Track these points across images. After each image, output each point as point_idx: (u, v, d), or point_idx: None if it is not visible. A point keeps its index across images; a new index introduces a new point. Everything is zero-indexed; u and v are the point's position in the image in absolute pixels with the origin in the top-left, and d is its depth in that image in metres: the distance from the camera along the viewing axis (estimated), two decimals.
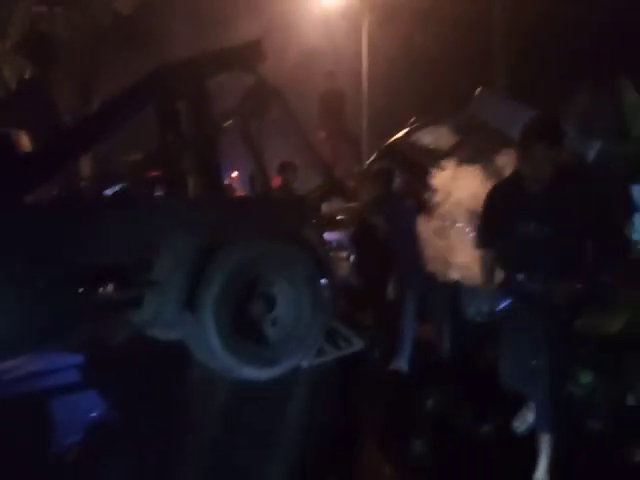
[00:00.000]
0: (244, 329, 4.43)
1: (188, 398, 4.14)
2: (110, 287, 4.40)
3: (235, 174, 8.67)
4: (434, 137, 6.04)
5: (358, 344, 4.88)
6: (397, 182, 5.59)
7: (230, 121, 5.20)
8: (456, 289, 5.37)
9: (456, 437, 3.65)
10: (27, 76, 11.82)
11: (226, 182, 7.28)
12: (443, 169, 5.00)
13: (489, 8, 12.49)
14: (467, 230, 5.54)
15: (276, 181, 6.47)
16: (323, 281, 4.82)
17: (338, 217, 6.31)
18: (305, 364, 4.66)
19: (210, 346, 4.31)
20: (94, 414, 4.21)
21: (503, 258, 3.42)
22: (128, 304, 4.24)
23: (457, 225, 5.57)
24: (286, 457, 3.47)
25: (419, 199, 5.12)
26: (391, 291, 5.04)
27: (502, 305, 4.11)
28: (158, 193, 4.97)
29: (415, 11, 12.53)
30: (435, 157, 5.67)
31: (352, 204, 5.93)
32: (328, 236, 6.00)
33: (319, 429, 3.73)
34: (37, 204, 4.15)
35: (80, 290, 4.15)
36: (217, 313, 4.29)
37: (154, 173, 5.14)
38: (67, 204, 4.40)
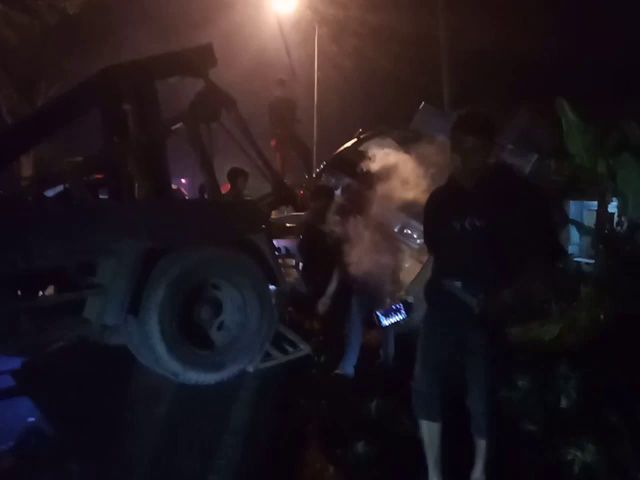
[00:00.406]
0: (190, 334, 4.37)
1: (129, 403, 4.06)
2: (51, 290, 4.30)
3: (184, 180, 8.59)
4: (380, 148, 6.22)
5: (305, 349, 4.89)
6: (346, 191, 5.69)
7: (179, 125, 5.15)
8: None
9: (398, 439, 3.71)
10: None
11: (175, 187, 7.21)
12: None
13: (436, 25, 12.89)
14: (415, 237, 5.71)
15: (226, 188, 6.44)
16: (271, 287, 4.82)
17: (288, 224, 6.35)
18: (251, 369, 4.64)
19: (154, 351, 4.23)
20: (31, 419, 4.08)
21: (439, 264, 3.32)
22: (69, 308, 4.13)
23: (405, 231, 5.73)
24: (229, 461, 3.46)
25: (365, 208, 5.23)
26: (325, 302, 5.07)
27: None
28: (102, 196, 4.87)
29: (366, 26, 12.80)
30: (384, 166, 5.96)
31: (300, 213, 5.98)
32: (278, 243, 6.02)
33: (263, 433, 3.74)
34: None
35: (19, 293, 4.03)
36: (162, 318, 4.21)
37: (98, 176, 5.03)
38: (6, 205, 4.26)
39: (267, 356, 4.72)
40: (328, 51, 13.03)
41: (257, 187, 6.16)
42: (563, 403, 4.14)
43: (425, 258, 5.57)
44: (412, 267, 5.66)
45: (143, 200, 4.61)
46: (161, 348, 4.20)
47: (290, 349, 4.89)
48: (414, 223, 5.69)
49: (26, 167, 9.74)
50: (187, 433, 3.71)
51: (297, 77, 11.99)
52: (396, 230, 5.81)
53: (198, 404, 4.09)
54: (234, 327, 4.55)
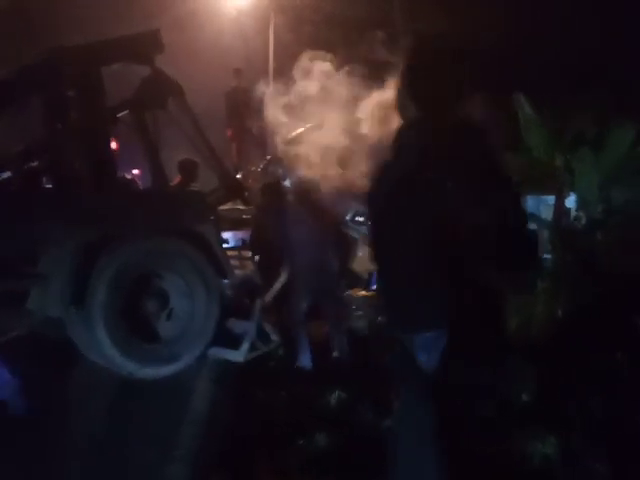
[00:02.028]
0: (137, 327, 4.33)
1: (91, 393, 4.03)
2: None
3: (136, 171, 8.37)
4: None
5: (277, 341, 4.94)
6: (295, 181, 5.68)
7: (124, 112, 5.05)
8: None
9: (359, 431, 3.69)
10: None
11: (129, 177, 7.03)
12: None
13: (391, 12, 12.92)
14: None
15: (177, 179, 6.33)
16: (221, 279, 4.80)
17: (244, 216, 6.29)
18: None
19: (101, 345, 4.18)
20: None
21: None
22: (14, 299, 4.02)
23: (357, 218, 5.77)
24: (189, 453, 3.44)
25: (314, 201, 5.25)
26: (269, 295, 5.07)
27: None
28: (44, 185, 4.74)
29: (320, 13, 12.73)
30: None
31: (249, 206, 5.92)
32: (235, 235, 5.96)
33: (222, 426, 3.72)
34: None
35: None
36: (106, 310, 4.17)
37: (39, 164, 4.89)
38: None
39: (254, 347, 4.77)
40: (284, 39, 12.92)
41: (207, 179, 6.06)
42: (525, 397, 4.22)
43: None
44: (366, 255, 5.74)
45: (87, 190, 4.50)
46: (107, 342, 4.15)
47: (269, 340, 4.91)
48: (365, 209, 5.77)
49: None
50: (145, 426, 3.66)
51: (253, 66, 11.84)
52: (348, 218, 5.84)
53: (157, 396, 4.06)
54: (183, 316, 4.52)
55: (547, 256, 7.14)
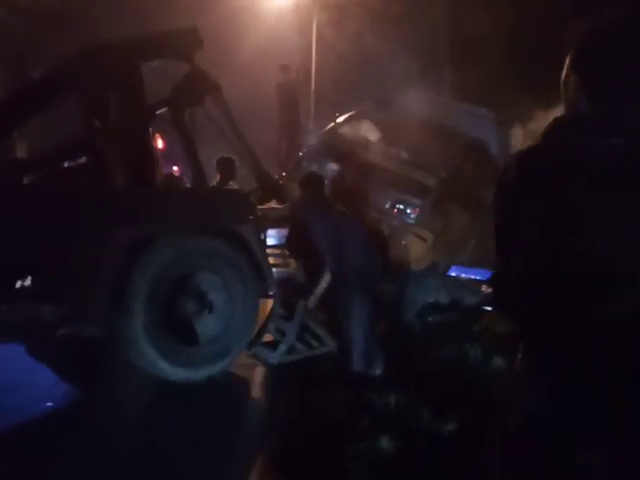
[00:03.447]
0: (175, 329, 4.25)
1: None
2: (28, 280, 4.18)
3: (176, 168, 8.37)
4: (360, 130, 6.37)
5: (330, 345, 4.77)
6: (330, 176, 5.55)
7: (163, 110, 4.99)
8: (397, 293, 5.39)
9: (420, 434, 3.59)
10: None
11: (177, 174, 7.00)
12: None
13: (435, 10, 12.65)
14: (409, 212, 5.60)
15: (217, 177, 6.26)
16: (259, 278, 4.69)
17: (280, 214, 6.20)
18: (274, 362, 4.59)
19: (139, 347, 4.12)
20: (49, 403, 4.02)
21: None
22: (47, 298, 4.01)
23: (398, 207, 5.62)
24: (244, 459, 3.39)
25: (354, 193, 5.10)
26: (313, 300, 4.87)
27: None
28: (82, 184, 4.72)
29: (365, 10, 12.55)
30: (365, 146, 6.08)
31: (285, 205, 5.81)
32: (278, 233, 5.86)
33: (278, 429, 3.65)
34: None
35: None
36: (148, 311, 4.11)
37: (79, 163, 4.87)
38: None
39: (292, 350, 4.68)
40: (327, 36, 12.81)
41: (244, 177, 5.97)
42: None
43: (423, 232, 5.49)
44: (410, 243, 5.53)
45: (126, 189, 4.46)
46: (146, 345, 4.09)
47: (315, 344, 4.79)
48: (407, 197, 5.59)
49: (20, 153, 9.60)
50: (202, 428, 3.62)
51: (296, 63, 11.76)
52: (387, 207, 5.67)
53: (212, 398, 4.04)
54: (223, 312, 4.43)
55: None
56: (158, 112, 4.90)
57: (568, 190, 1.38)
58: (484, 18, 11.22)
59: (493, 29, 11.58)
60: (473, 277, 6.30)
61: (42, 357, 4.71)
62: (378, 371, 4.49)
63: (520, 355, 1.56)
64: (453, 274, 6.42)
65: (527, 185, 1.44)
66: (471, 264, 6.34)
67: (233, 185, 5.76)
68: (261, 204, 5.40)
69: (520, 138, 6.98)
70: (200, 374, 4.27)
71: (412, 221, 5.59)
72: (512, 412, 1.57)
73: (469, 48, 12.14)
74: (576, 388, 1.38)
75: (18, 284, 4.13)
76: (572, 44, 1.61)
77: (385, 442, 3.44)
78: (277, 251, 5.79)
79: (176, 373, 4.21)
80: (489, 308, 5.52)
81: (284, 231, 6.04)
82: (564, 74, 1.59)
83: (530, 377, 1.51)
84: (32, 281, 4.13)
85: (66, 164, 4.85)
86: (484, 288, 5.99)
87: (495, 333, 5.27)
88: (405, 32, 12.01)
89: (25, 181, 4.68)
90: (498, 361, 4.69)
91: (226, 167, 5.71)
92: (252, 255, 4.55)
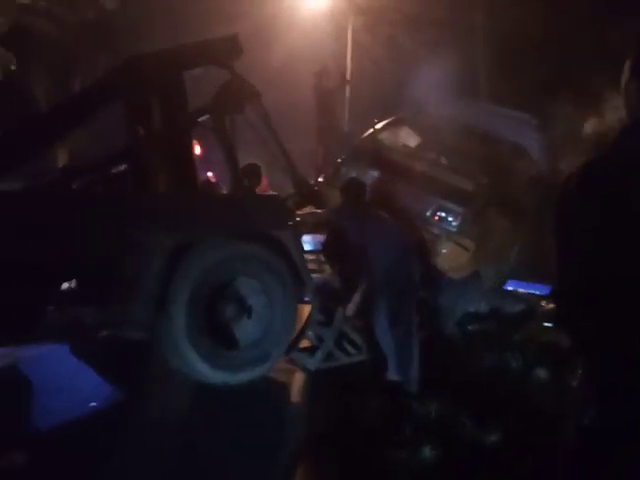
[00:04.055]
0: (216, 333, 4.30)
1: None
2: (74, 283, 4.28)
3: (210, 174, 8.45)
4: (399, 136, 6.37)
5: (368, 352, 4.75)
6: (370, 181, 5.51)
7: (205, 117, 5.07)
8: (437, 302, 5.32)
9: (462, 444, 3.56)
10: (12, 69, 11.58)
11: (213, 180, 7.08)
12: None
13: (473, 14, 12.53)
14: (450, 219, 5.51)
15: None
16: (298, 283, 4.70)
17: (317, 220, 6.20)
18: (312, 367, 4.60)
19: (180, 350, 4.18)
20: (94, 404, 4.09)
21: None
22: (91, 300, 4.09)
23: (439, 214, 5.54)
24: (283, 462, 3.43)
25: (393, 202, 5.05)
26: (351, 307, 4.83)
27: None
28: (127, 189, 4.82)
29: (400, 15, 12.51)
30: (405, 152, 6.07)
31: (323, 209, 5.81)
32: (314, 239, 5.87)
33: (318, 435, 3.67)
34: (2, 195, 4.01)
35: (44, 284, 4.00)
36: (189, 315, 4.16)
37: (123, 169, 4.98)
38: (34, 197, 4.26)
39: (330, 356, 4.69)
40: (362, 41, 12.82)
41: (281, 183, 5.97)
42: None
43: (465, 240, 5.39)
44: (451, 251, 5.46)
45: (170, 193, 4.54)
46: (187, 347, 4.15)
47: (352, 351, 4.79)
48: (449, 205, 5.50)
49: (61, 159, 9.88)
50: (238, 433, 3.67)
51: (332, 69, 11.79)
52: (428, 214, 5.60)
53: (245, 401, 4.08)
54: (262, 315, 4.45)
55: None
56: (200, 119, 4.97)
57: (632, 192, 1.35)
58: (522, 21, 11.08)
59: (531, 32, 11.42)
60: (532, 292, 6.15)
61: (85, 359, 4.79)
62: (413, 381, 4.41)
63: (582, 371, 1.52)
64: (510, 288, 6.31)
65: (591, 192, 1.41)
66: (528, 278, 6.22)
67: (259, 191, 5.79)
68: (298, 209, 5.41)
69: (560, 142, 6.85)
70: (239, 378, 4.30)
71: (454, 229, 5.49)
72: (573, 427, 1.53)
73: (507, 52, 11.99)
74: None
75: (64, 286, 4.24)
76: (631, 50, 1.56)
77: (427, 451, 3.40)
78: (312, 256, 5.79)
79: (216, 376, 4.25)
80: (550, 324, 5.42)
81: (320, 237, 6.05)
82: (624, 80, 1.55)
83: (593, 392, 1.46)
84: (77, 283, 4.23)
85: (112, 170, 4.97)
86: (544, 304, 5.86)
87: (538, 343, 5.19)
88: (441, 36, 11.93)
89: (73, 186, 4.81)
90: (541, 372, 4.61)
91: (252, 174, 5.71)
92: (291, 260, 4.57)
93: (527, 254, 5.90)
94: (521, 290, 6.26)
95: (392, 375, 4.49)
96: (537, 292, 6.01)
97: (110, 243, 4.06)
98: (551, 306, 5.46)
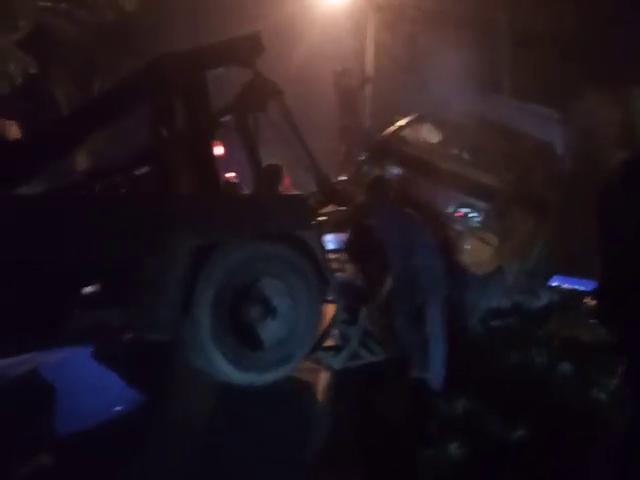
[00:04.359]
0: (240, 333, 4.29)
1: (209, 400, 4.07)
2: (98, 286, 4.29)
3: (232, 174, 8.44)
4: (421, 133, 6.37)
5: (394, 351, 4.71)
6: (394, 179, 5.48)
7: (228, 117, 5.06)
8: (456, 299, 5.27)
9: (490, 441, 3.54)
10: (32, 72, 11.69)
11: (235, 180, 7.06)
12: None
13: (496, 12, 12.38)
14: (474, 215, 5.48)
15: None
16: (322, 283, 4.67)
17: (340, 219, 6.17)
18: (337, 366, 4.59)
19: (205, 351, 4.17)
20: (118, 408, 4.12)
21: None
22: (115, 303, 4.10)
23: (462, 210, 5.51)
24: (310, 461, 3.43)
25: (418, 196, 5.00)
26: (378, 304, 4.81)
27: None
28: (150, 191, 4.83)
29: (421, 12, 12.40)
30: (428, 149, 6.06)
31: (345, 207, 5.77)
32: (336, 238, 5.84)
33: (345, 433, 3.68)
34: (25, 197, 4.03)
35: (67, 287, 4.02)
36: (213, 316, 4.16)
37: (147, 170, 4.99)
38: (56, 199, 4.27)
39: (355, 355, 4.67)
40: (382, 39, 12.72)
41: (303, 182, 5.94)
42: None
43: (488, 236, 5.36)
44: (474, 247, 5.45)
45: (193, 194, 4.53)
46: (212, 348, 4.14)
47: (378, 349, 4.77)
48: (472, 201, 5.47)
49: (81, 160, 9.96)
50: (266, 432, 3.67)
51: (353, 66, 11.72)
52: (451, 210, 5.57)
53: (270, 401, 4.09)
54: (287, 316, 4.44)
55: None
56: (222, 119, 4.96)
57: None
58: (544, 18, 10.94)
59: (553, 29, 11.27)
60: (577, 288, 6.08)
61: (109, 362, 4.82)
62: (439, 379, 4.36)
63: (623, 369, 1.50)
64: (555, 284, 6.25)
65: (635, 186, 1.38)
66: (575, 274, 6.16)
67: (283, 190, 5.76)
68: (321, 208, 5.38)
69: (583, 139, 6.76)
70: (265, 378, 4.29)
71: (477, 225, 5.46)
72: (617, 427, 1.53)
73: (529, 49, 11.84)
74: None
75: (88, 289, 4.26)
76: None
77: (454, 449, 3.39)
78: (335, 255, 5.76)
79: (241, 377, 4.24)
80: (593, 320, 5.35)
81: (342, 235, 6.01)
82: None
83: (633, 390, 1.45)
84: (101, 286, 4.24)
85: (135, 172, 4.98)
86: (586, 300, 5.78)
87: (561, 339, 5.17)
88: (463, 34, 11.80)
89: (96, 189, 4.83)
90: (565, 367, 4.59)
91: (274, 174, 5.67)
92: (315, 260, 4.55)
93: (555, 250, 5.84)
94: (566, 286, 6.19)
95: (418, 373, 4.44)
96: (582, 288, 5.91)
97: (133, 245, 4.07)
98: (594, 303, 5.33)
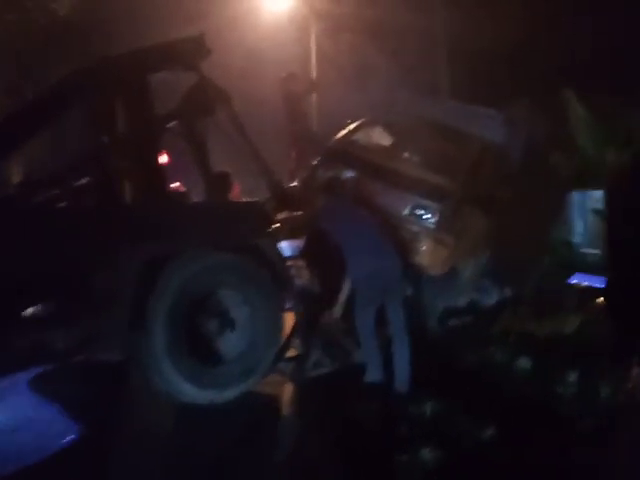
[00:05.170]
0: (198, 349, 4.08)
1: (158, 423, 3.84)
2: (42, 305, 3.98)
3: (177, 184, 8.16)
4: (372, 136, 6.30)
5: (357, 356, 4.60)
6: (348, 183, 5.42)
7: (174, 123, 4.84)
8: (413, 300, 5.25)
9: (461, 443, 3.49)
10: None
11: (183, 189, 6.83)
12: None
13: (433, 21, 12.66)
14: (428, 217, 5.49)
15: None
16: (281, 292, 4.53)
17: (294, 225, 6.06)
18: (301, 376, 4.48)
19: (161, 369, 3.95)
20: (65, 440, 3.79)
21: None
22: (61, 323, 3.82)
23: (417, 212, 5.50)
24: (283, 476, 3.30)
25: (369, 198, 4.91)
26: (337, 309, 4.70)
27: None
28: (94, 202, 4.56)
29: (363, 22, 12.54)
30: (380, 152, 6.03)
31: (300, 212, 5.66)
32: (291, 244, 5.72)
33: (315, 444, 3.57)
34: None
35: (8, 307, 3.70)
36: (168, 332, 3.94)
37: (89, 180, 4.71)
38: None
39: (317, 364, 4.56)
40: (324, 47, 12.77)
41: (255, 188, 5.79)
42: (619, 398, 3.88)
43: (443, 237, 5.38)
44: (430, 248, 5.43)
45: (140, 205, 4.29)
46: (168, 366, 3.92)
47: (341, 356, 4.67)
48: (426, 202, 5.45)
49: (15, 170, 9.42)
50: (234, 451, 3.51)
51: (299, 72, 11.67)
52: (406, 213, 5.53)
53: (234, 418, 3.92)
54: (246, 330, 4.26)
55: (596, 252, 6.77)
56: (169, 125, 4.75)
57: None
58: (485, 25, 11.26)
59: (495, 38, 11.62)
60: (595, 285, 6.14)
61: (54, 389, 4.52)
62: (405, 382, 4.29)
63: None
64: (574, 281, 6.29)
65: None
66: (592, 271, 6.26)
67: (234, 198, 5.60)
68: (274, 214, 5.24)
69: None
70: (226, 395, 4.10)
71: (432, 226, 5.45)
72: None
73: (467, 55, 12.16)
74: None
75: (29, 310, 3.95)
76: None
77: (427, 453, 3.34)
78: (290, 262, 5.64)
79: (200, 395, 4.03)
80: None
81: (297, 242, 5.89)
82: None
83: None
84: (44, 306, 3.94)
85: (76, 182, 4.69)
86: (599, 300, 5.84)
87: (516, 334, 5.23)
88: (404, 43, 12.02)
89: (33, 201, 4.51)
90: (525, 363, 4.63)
91: (222, 182, 5.49)
92: (273, 268, 4.40)
93: (504, 247, 5.94)
94: (585, 283, 6.28)
95: (371, 377, 4.36)
96: (599, 285, 5.99)
97: (78, 260, 3.81)
98: (601, 299, 5.41)
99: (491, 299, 6.24)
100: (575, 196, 8.85)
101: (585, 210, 8.90)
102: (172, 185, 7.74)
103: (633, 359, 1.42)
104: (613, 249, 1.46)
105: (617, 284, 1.36)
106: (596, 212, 7.67)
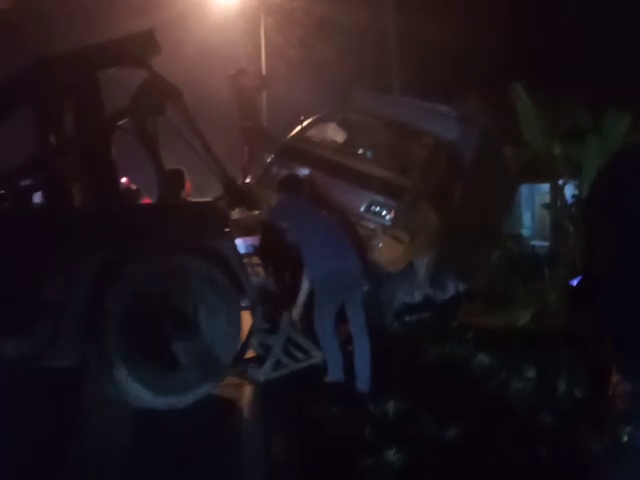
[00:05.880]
0: (154, 354, 3.97)
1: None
2: None
3: (124, 179, 7.91)
4: (327, 133, 6.29)
5: (317, 356, 4.58)
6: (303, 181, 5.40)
7: (124, 120, 4.69)
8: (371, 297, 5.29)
9: (425, 443, 3.48)
10: None
11: (134, 187, 6.63)
12: None
13: (382, 15, 12.74)
14: (384, 213, 5.54)
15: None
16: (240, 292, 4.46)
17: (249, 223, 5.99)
18: (262, 378, 4.40)
19: (116, 377, 3.82)
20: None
21: None
22: (9, 332, 3.66)
23: (373, 209, 5.54)
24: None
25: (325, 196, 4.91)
26: (297, 310, 4.67)
27: None
28: (43, 204, 4.38)
29: (312, 16, 12.51)
30: (335, 149, 6.02)
31: (256, 211, 5.60)
32: (245, 241, 5.65)
33: (282, 447, 3.57)
34: None
35: None
36: (123, 337, 3.83)
37: (36, 181, 4.51)
38: None
39: (278, 364, 4.49)
40: (274, 41, 12.67)
41: (204, 185, 5.68)
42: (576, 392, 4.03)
43: (399, 233, 5.43)
44: (387, 244, 5.45)
45: (91, 206, 4.15)
46: (123, 373, 3.81)
47: (301, 356, 4.62)
48: (382, 199, 5.48)
49: None
50: (196, 457, 3.42)
51: (247, 69, 11.54)
52: (362, 210, 5.55)
53: (193, 423, 3.81)
54: (201, 340, 4.17)
55: (544, 244, 7.01)
56: (119, 123, 4.60)
57: None
58: (433, 22, 11.41)
59: (443, 33, 11.80)
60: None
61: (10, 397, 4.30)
62: (366, 381, 4.30)
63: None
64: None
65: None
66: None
67: (184, 196, 5.48)
68: (230, 209, 5.17)
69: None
70: (185, 400, 4.01)
71: (388, 223, 5.49)
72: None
73: (417, 52, 12.31)
74: None
75: None
76: None
77: (392, 455, 3.32)
78: (246, 260, 5.58)
79: (159, 401, 3.93)
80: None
81: (251, 239, 5.84)
82: None
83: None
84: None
85: (23, 183, 4.48)
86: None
87: (473, 328, 5.34)
88: (351, 37, 12.06)
89: None
90: (483, 358, 4.72)
91: (175, 180, 5.36)
92: (231, 269, 4.32)
93: (458, 242, 6.04)
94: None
95: (332, 377, 4.37)
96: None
97: (27, 266, 3.66)
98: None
99: (446, 294, 6.36)
100: (523, 189, 9.08)
101: (533, 203, 9.17)
102: (123, 182, 7.54)
103: (607, 364, 1.46)
104: (588, 247, 1.54)
105: (589, 283, 1.39)
106: (544, 206, 7.90)
